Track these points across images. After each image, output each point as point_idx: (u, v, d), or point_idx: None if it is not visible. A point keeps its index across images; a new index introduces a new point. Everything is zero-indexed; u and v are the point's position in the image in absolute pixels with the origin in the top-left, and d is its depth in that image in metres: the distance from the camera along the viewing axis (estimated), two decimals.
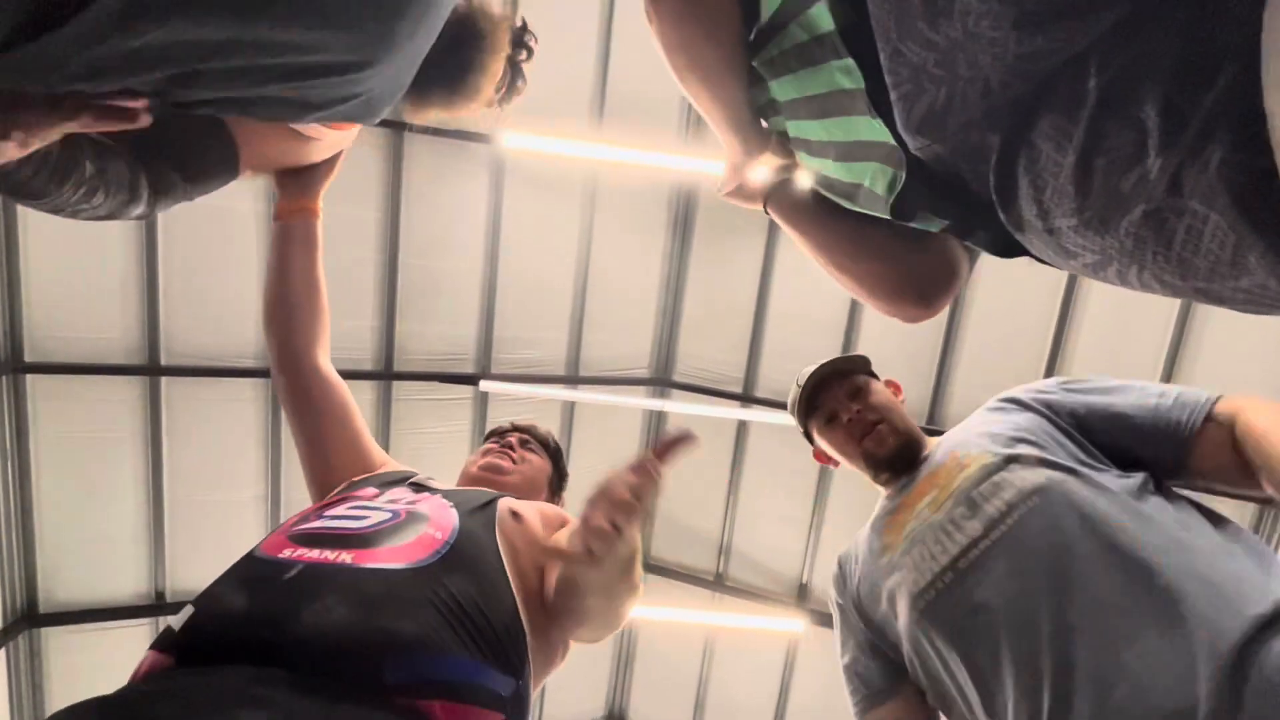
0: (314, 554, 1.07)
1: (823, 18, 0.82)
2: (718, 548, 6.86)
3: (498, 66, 1.28)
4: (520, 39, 1.32)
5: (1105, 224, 0.64)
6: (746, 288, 6.19)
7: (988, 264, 5.92)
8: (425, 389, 5.88)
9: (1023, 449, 1.32)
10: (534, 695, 1.22)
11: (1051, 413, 1.40)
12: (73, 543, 5.35)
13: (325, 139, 1.38)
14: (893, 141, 0.79)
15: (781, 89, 0.98)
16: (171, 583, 5.64)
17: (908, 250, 1.06)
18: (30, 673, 5.41)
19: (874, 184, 0.87)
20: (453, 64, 1.19)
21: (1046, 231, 0.70)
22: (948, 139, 0.72)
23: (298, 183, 1.49)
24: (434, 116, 1.29)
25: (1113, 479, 1.27)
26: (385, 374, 5.77)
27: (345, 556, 1.06)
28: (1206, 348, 5.33)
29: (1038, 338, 5.65)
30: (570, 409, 6.40)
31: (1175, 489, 1.33)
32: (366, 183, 5.35)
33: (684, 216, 6.19)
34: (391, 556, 1.07)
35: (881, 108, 0.77)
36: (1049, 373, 5.64)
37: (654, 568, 7.05)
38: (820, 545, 6.46)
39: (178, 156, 1.12)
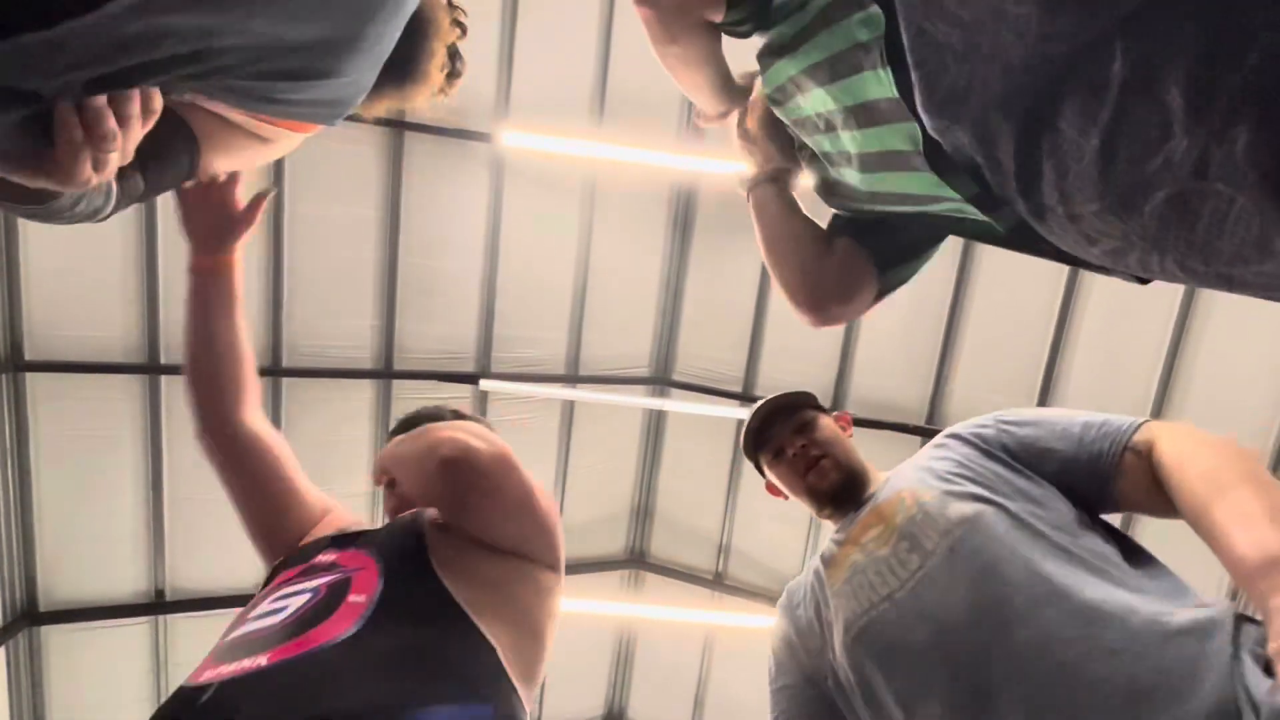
0: (229, 669, 1.03)
1: None
2: (717, 547, 6.86)
3: (442, 50, 1.29)
4: (457, 20, 1.33)
5: (1128, 209, 0.64)
6: (746, 287, 6.19)
7: (987, 264, 5.84)
8: (425, 388, 5.87)
9: (959, 484, 1.35)
10: (536, 689, 1.21)
11: (986, 445, 1.43)
12: (73, 541, 5.34)
13: (281, 141, 1.37)
14: (896, 94, 0.80)
15: (803, 58, 0.99)
16: (171, 581, 5.63)
17: (823, 268, 1.25)
18: (30, 671, 5.40)
19: (892, 144, 0.88)
20: (402, 54, 1.20)
21: (1068, 218, 0.70)
22: (968, 119, 0.72)
23: (215, 235, 1.44)
24: (384, 109, 1.30)
25: (1043, 511, 1.28)
26: (385, 373, 5.77)
27: (260, 660, 1.03)
28: (1206, 346, 5.34)
29: (1037, 337, 5.65)
30: (570, 408, 6.40)
31: (1104, 519, 1.34)
32: (366, 182, 5.34)
33: (684, 216, 6.19)
34: (315, 638, 1.04)
35: (895, 60, 0.77)
36: (1048, 372, 5.65)
37: (653, 566, 7.06)
38: (819, 544, 6.45)
39: (143, 159, 1.10)
